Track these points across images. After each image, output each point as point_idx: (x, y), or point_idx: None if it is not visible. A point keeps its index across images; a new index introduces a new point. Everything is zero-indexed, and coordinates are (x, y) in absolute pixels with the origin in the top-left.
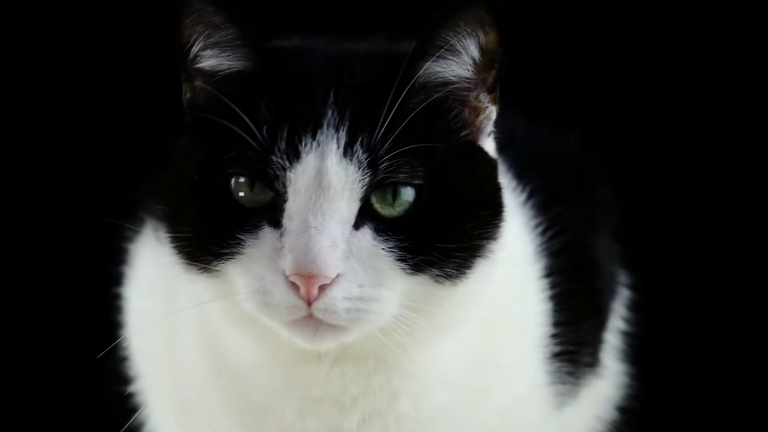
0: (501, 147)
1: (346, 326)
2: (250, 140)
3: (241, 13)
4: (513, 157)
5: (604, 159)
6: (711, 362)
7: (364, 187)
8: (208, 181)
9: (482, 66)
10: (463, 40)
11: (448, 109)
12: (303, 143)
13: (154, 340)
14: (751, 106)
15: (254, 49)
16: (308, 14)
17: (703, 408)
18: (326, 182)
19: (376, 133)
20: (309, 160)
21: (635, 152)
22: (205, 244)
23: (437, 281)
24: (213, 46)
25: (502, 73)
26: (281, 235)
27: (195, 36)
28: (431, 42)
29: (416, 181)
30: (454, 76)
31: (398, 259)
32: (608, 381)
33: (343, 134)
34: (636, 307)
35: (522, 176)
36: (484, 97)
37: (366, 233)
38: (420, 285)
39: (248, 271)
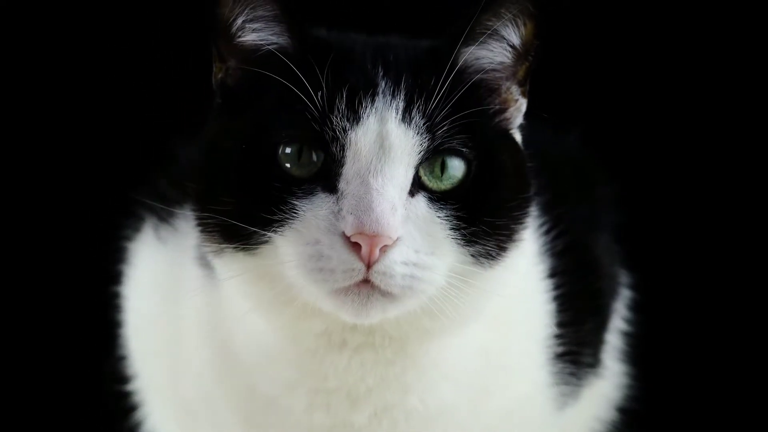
0: None
1: (398, 294)
2: (307, 102)
3: None
4: None
5: (604, 159)
6: (711, 362)
7: (421, 153)
8: (252, 154)
9: (519, 56)
10: (506, 27)
11: (485, 94)
12: (363, 106)
13: (153, 339)
14: (750, 106)
15: (296, 28)
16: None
17: (703, 408)
18: (387, 145)
19: (432, 101)
20: (370, 122)
21: (635, 152)
22: (253, 214)
23: (477, 261)
24: (256, 20)
25: (533, 67)
26: (338, 198)
27: (237, 10)
28: (474, 26)
29: (469, 151)
30: (492, 62)
31: (452, 228)
32: (608, 381)
33: (400, 100)
34: (636, 308)
35: None
36: (515, 90)
37: (420, 201)
38: (461, 263)
39: (302, 237)
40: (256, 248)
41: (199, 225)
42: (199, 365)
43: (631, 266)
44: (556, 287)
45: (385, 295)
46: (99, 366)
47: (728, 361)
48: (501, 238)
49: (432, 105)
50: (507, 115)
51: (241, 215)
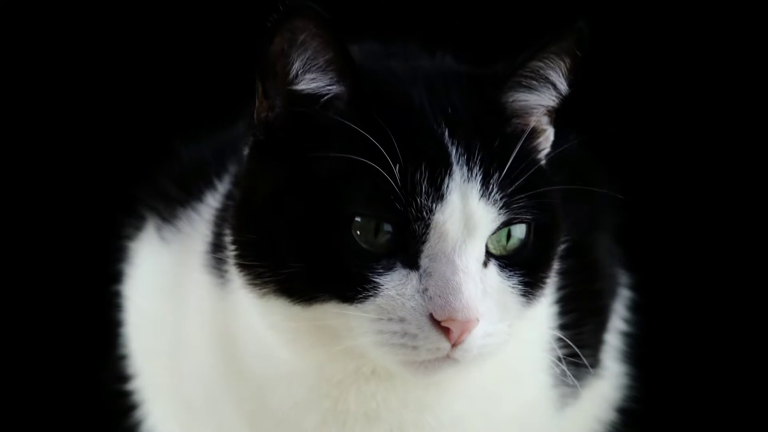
0: None
1: (470, 361)
2: (388, 179)
3: (338, 26)
4: None
5: (604, 159)
6: (711, 362)
7: (496, 226)
8: (325, 221)
9: (561, 96)
10: (554, 71)
11: (529, 138)
12: (445, 183)
13: (155, 339)
14: (750, 106)
15: (351, 72)
16: None
17: (703, 408)
18: (472, 225)
19: (504, 172)
20: (453, 200)
21: (635, 152)
22: (326, 284)
23: (526, 306)
24: (312, 69)
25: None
26: (421, 276)
27: (294, 56)
28: (523, 70)
29: (532, 217)
30: (539, 105)
31: (521, 295)
32: (608, 382)
33: (478, 173)
34: (636, 308)
35: None
36: (545, 119)
37: (492, 270)
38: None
39: (384, 313)
40: (313, 305)
41: (244, 270)
42: (204, 367)
43: (630, 267)
44: (558, 289)
45: (458, 362)
46: (99, 365)
47: (728, 361)
48: (546, 281)
49: (506, 177)
50: (538, 147)
51: (312, 282)
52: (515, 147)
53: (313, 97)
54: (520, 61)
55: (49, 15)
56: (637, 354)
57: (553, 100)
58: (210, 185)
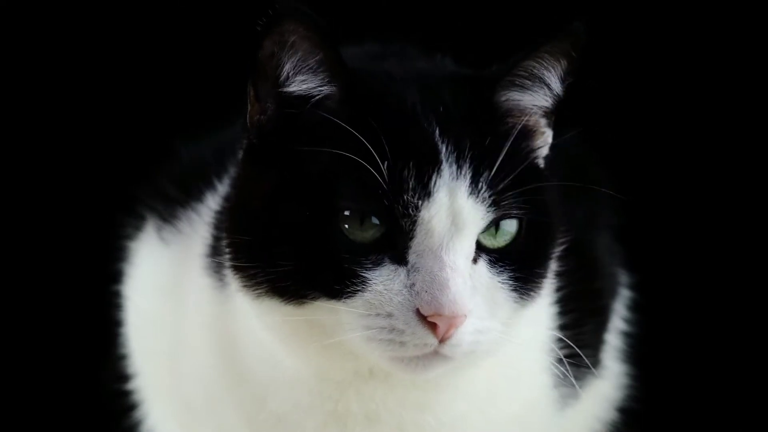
0: None
1: (461, 358)
2: (376, 176)
3: (329, 28)
4: None
5: (604, 159)
6: (711, 362)
7: (486, 223)
8: (314, 218)
9: (556, 96)
10: (548, 71)
11: (523, 139)
12: (432, 181)
13: (155, 339)
14: (750, 106)
15: (341, 72)
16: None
17: (703, 408)
18: (460, 222)
19: (494, 170)
20: (440, 198)
21: (635, 152)
22: (316, 281)
23: (521, 304)
24: (302, 71)
25: (562, 98)
26: (409, 271)
27: (284, 58)
28: (517, 70)
29: (522, 212)
30: (533, 105)
31: (512, 290)
32: (608, 382)
33: (467, 170)
34: (636, 308)
35: None
36: (543, 121)
37: (482, 266)
38: (510, 311)
39: (371, 308)
40: (304, 303)
41: (239, 272)
42: (204, 368)
43: (630, 266)
44: (557, 288)
45: (448, 359)
46: (99, 365)
47: (728, 361)
48: (543, 280)
49: (496, 175)
50: (535, 148)
51: (302, 280)
52: (506, 145)
53: (304, 98)
54: (513, 61)
55: (49, 15)
56: (637, 354)
57: (548, 101)
58: (210, 186)
